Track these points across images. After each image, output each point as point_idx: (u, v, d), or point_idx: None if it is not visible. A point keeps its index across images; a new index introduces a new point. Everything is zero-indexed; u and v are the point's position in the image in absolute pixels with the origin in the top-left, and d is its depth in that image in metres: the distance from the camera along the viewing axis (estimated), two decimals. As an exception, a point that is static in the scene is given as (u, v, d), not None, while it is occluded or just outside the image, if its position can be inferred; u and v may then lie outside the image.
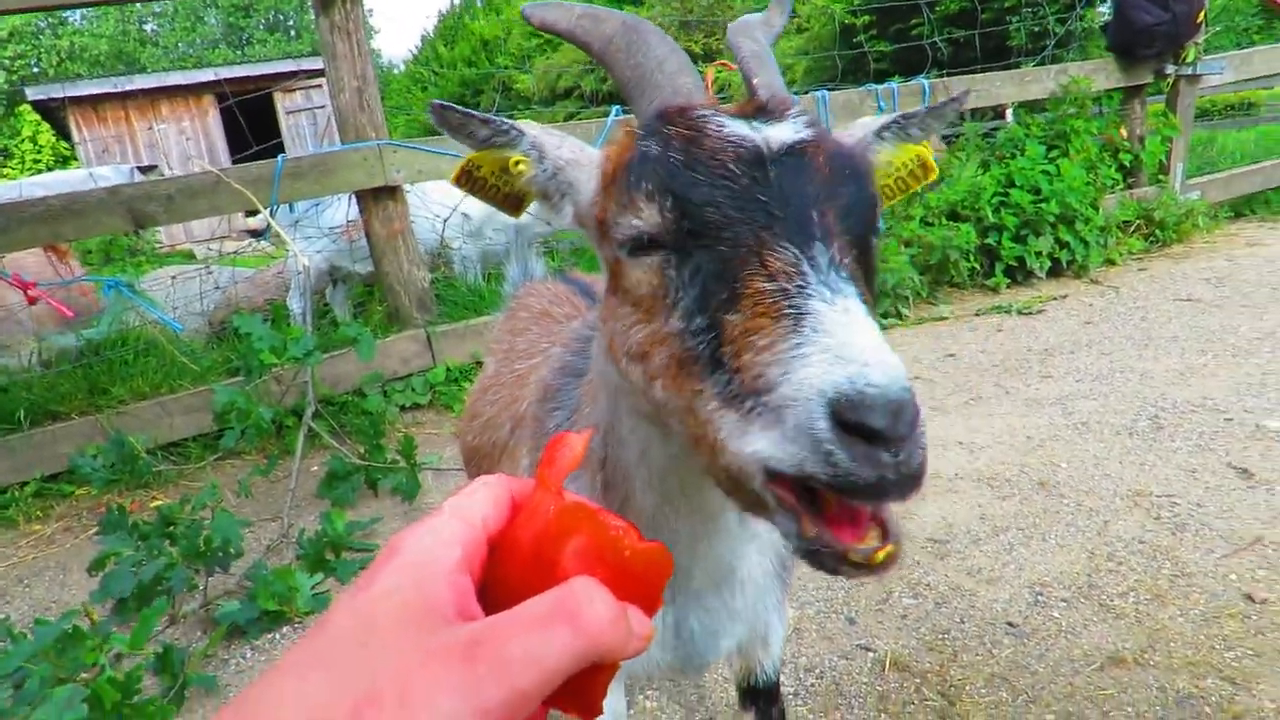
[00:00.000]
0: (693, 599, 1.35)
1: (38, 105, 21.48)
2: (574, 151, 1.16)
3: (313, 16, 4.89)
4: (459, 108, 1.11)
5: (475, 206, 6.38)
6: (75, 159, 22.05)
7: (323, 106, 20.81)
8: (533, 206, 1.23)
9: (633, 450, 1.19)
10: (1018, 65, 7.75)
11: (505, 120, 1.13)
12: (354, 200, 5.38)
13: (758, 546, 1.35)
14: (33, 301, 4.63)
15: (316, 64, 18.37)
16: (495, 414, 2.00)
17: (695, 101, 1.06)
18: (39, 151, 32.07)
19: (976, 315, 6.15)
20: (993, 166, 6.81)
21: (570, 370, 1.54)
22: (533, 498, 0.68)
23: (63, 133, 23.31)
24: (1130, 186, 7.48)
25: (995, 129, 7.74)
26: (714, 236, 0.89)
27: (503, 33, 33.87)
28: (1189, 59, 7.25)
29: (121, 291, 5.07)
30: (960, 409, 4.38)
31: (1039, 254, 6.55)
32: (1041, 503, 3.31)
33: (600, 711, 0.63)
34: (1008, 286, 6.63)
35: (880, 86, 6.52)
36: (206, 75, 21.11)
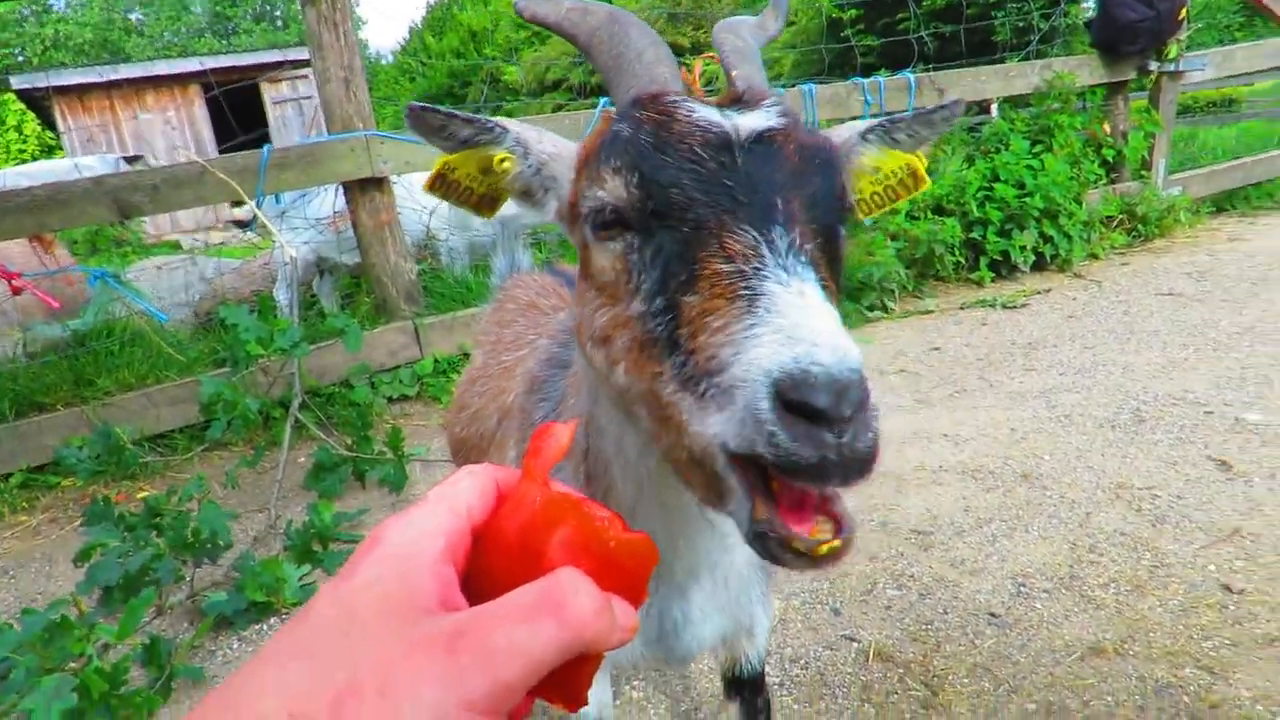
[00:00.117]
0: (676, 591, 1.36)
1: (22, 94, 21.26)
2: (554, 145, 1.17)
3: (299, 6, 4.86)
4: (439, 109, 1.11)
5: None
6: (60, 149, 21.83)
7: (310, 97, 20.67)
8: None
9: (610, 440, 1.20)
10: (1003, 60, 7.78)
11: (487, 118, 1.14)
12: (341, 191, 5.36)
13: (739, 539, 1.36)
14: (17, 292, 4.60)
15: (303, 54, 18.26)
16: (483, 406, 2.01)
17: (670, 88, 1.07)
18: (24, 141, 31.69)
19: (961, 309, 6.20)
20: (978, 161, 6.85)
21: (556, 362, 1.55)
22: (519, 488, 0.69)
23: (48, 122, 23.05)
24: (1113, 181, 7.54)
25: (980, 124, 7.78)
26: (677, 218, 0.90)
27: (491, 24, 33.72)
28: (1171, 55, 7.31)
29: (107, 282, 5.04)
30: (945, 402, 4.41)
31: (1023, 248, 6.60)
32: (1024, 494, 3.35)
33: (585, 702, 0.63)
34: (992, 280, 6.67)
35: (867, 80, 6.53)
36: (192, 65, 20.89)
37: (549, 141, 1.17)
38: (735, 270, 0.83)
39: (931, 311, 6.19)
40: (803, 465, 0.71)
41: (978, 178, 6.60)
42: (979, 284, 6.65)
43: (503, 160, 1.15)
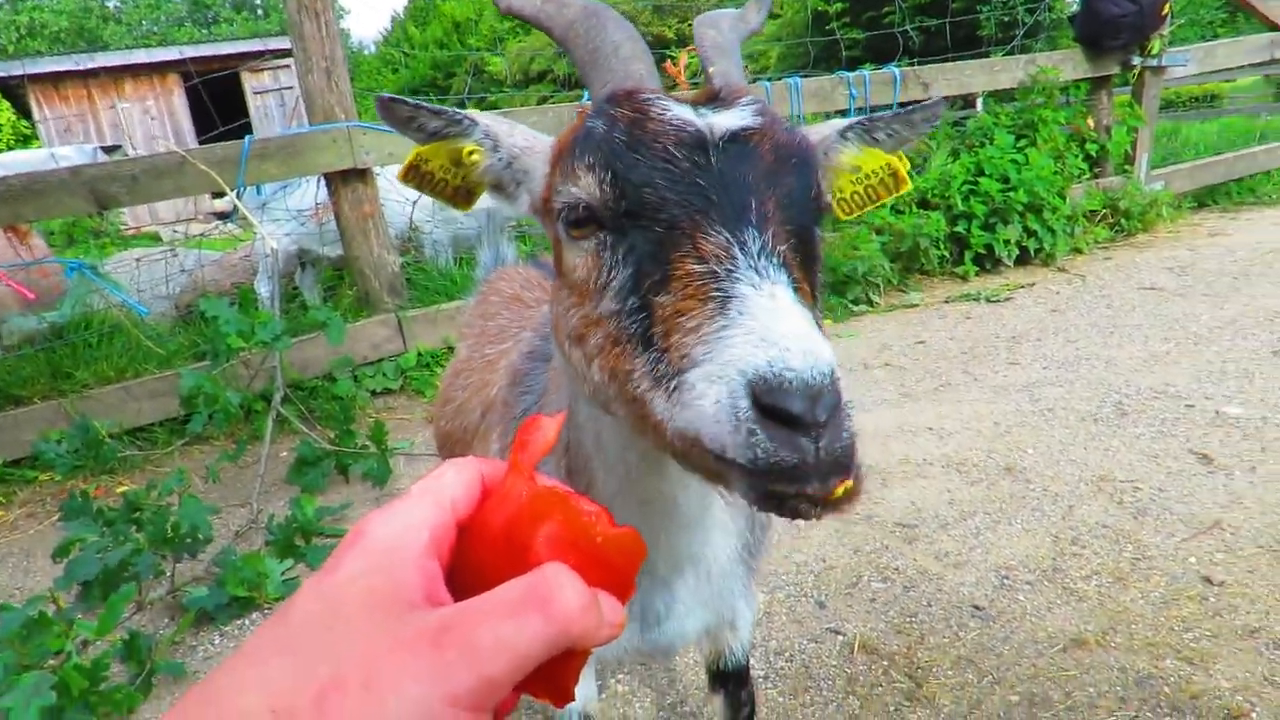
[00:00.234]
0: (658, 585, 1.36)
1: (-3, 82, 20.95)
2: (526, 139, 1.16)
3: (280, -5, 4.81)
4: (408, 100, 1.10)
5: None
6: (36, 138, 21.54)
7: (291, 87, 20.49)
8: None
9: (589, 435, 1.20)
10: (987, 54, 7.82)
11: (456, 110, 1.13)
12: (322, 182, 5.32)
13: (721, 532, 1.35)
14: (-8, 284, 4.54)
15: (285, 44, 18.04)
16: (466, 399, 2.00)
17: (645, 86, 1.06)
18: (-1, 130, 31.27)
19: (946, 302, 6.22)
20: (962, 155, 6.87)
21: (539, 355, 1.54)
22: (505, 482, 0.68)
23: (23, 111, 22.76)
24: (1096, 176, 7.58)
25: (965, 118, 7.80)
26: (650, 217, 0.89)
27: (474, 15, 33.54)
28: (1154, 51, 7.35)
29: (84, 273, 4.98)
30: (929, 395, 4.43)
31: (1007, 242, 6.62)
32: (1008, 488, 3.37)
33: (572, 698, 0.63)
34: (976, 274, 6.70)
35: (852, 74, 6.54)
36: (171, 54, 20.66)
37: (520, 135, 1.16)
38: (708, 271, 0.83)
39: (916, 305, 6.22)
40: (783, 470, 0.71)
41: (962, 172, 6.63)
42: (963, 278, 6.67)
43: (472, 153, 1.14)
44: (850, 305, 6.17)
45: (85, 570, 2.88)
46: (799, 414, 0.70)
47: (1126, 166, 7.68)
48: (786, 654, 2.53)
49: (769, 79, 6.63)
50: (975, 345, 5.18)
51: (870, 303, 6.24)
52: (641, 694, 2.44)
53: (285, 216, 6.37)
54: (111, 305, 5.17)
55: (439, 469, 0.68)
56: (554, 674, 0.60)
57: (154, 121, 20.61)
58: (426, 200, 6.40)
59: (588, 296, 0.96)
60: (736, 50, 1.28)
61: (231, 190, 4.50)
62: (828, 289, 6.23)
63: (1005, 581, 2.77)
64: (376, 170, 5.06)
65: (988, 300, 6.13)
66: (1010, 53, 7.81)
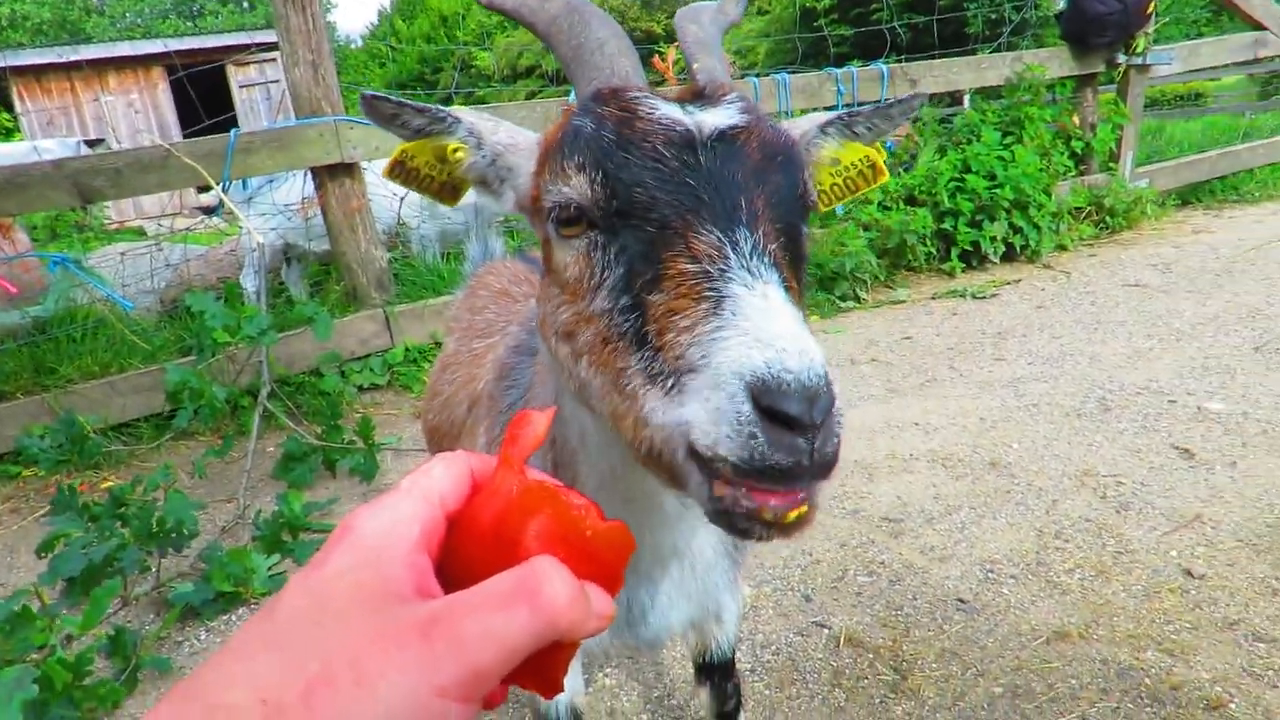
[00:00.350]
0: (643, 579, 1.37)
1: (-23, 74, 20.71)
2: (511, 136, 1.16)
3: (267, -12, 4.77)
4: (391, 97, 1.11)
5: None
6: (18, 131, 21.29)
7: (277, 81, 20.36)
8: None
9: (574, 430, 1.21)
10: (974, 52, 7.84)
11: (440, 108, 1.13)
12: (309, 177, 5.29)
13: (705, 527, 1.36)
14: (-26, 278, 4.49)
15: (271, 37, 17.94)
16: (454, 393, 2.00)
17: (631, 84, 1.07)
18: (-21, 123, 30.93)
19: (933, 299, 6.25)
20: (949, 152, 6.90)
21: (525, 349, 1.55)
22: (495, 476, 0.68)
23: (5, 104, 22.47)
24: (1082, 173, 7.63)
25: (952, 115, 7.83)
26: (641, 217, 0.90)
27: (462, 9, 33.40)
28: (1139, 49, 7.40)
29: (68, 267, 4.94)
30: (915, 391, 4.45)
31: (993, 239, 6.66)
32: (993, 482, 3.39)
33: (561, 689, 0.63)
34: (963, 271, 6.73)
35: (840, 70, 6.56)
36: (156, 46, 20.45)
37: (505, 132, 1.16)
38: (701, 271, 0.84)
39: (903, 301, 6.24)
40: (777, 471, 0.73)
41: (949, 168, 6.65)
42: (950, 274, 6.71)
43: (456, 150, 1.15)
44: (838, 301, 6.19)
45: (70, 566, 2.87)
46: (797, 415, 0.71)
47: (1111, 164, 7.73)
48: (773, 647, 2.55)
49: (757, 75, 6.64)
50: (961, 341, 5.21)
51: (857, 299, 6.26)
52: (629, 687, 2.45)
53: (271, 211, 6.34)
54: (96, 300, 5.14)
55: (428, 464, 0.68)
56: (543, 665, 0.60)
57: (138, 115, 20.43)
58: (414, 196, 6.37)
59: (578, 294, 0.97)
60: (719, 44, 1.29)
61: (217, 184, 4.48)
62: (815, 285, 6.25)
63: (989, 575, 2.79)
64: (364, 165, 5.04)
65: (974, 297, 6.16)
66: (997, 50, 7.84)
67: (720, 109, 0.99)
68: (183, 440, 4.50)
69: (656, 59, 6.14)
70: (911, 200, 6.74)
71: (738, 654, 2.21)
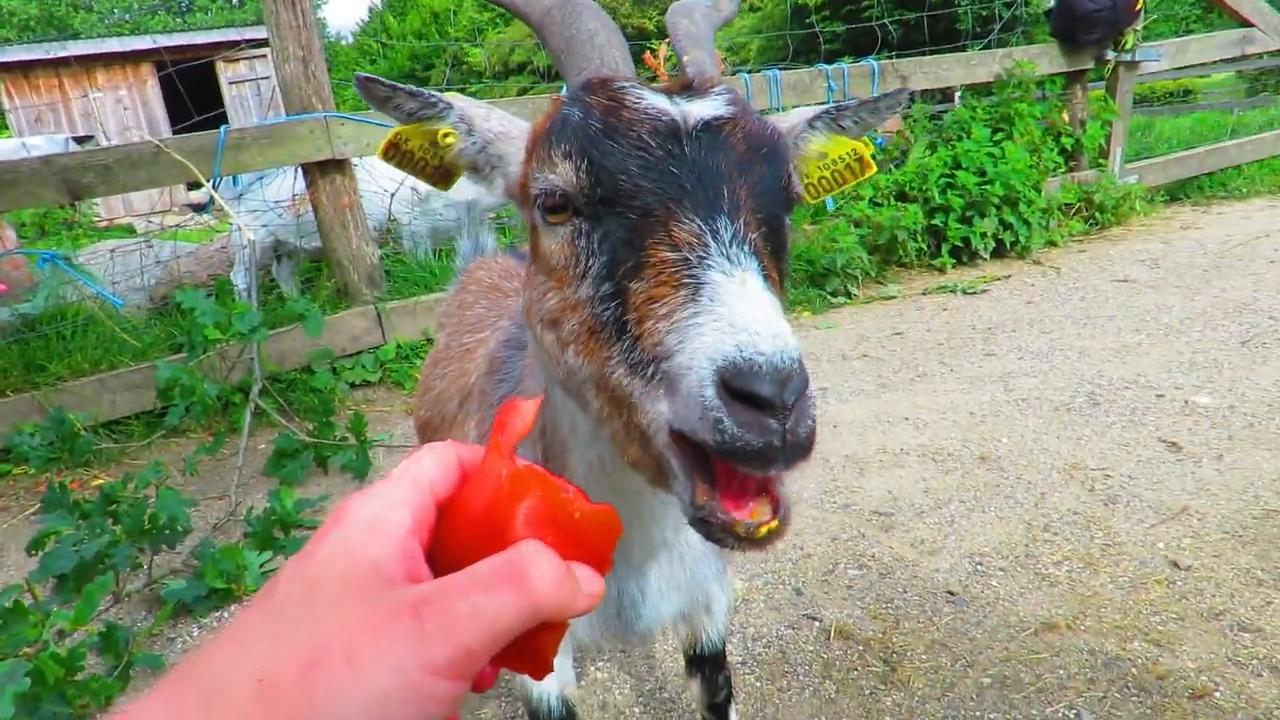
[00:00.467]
0: (633, 570, 1.38)
1: (-37, 71, 20.54)
2: (502, 124, 1.17)
3: (256, -16, 4.76)
4: (385, 80, 1.12)
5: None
6: (6, 128, 21.14)
7: (267, 77, 20.24)
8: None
9: (565, 421, 1.22)
10: (965, 49, 7.86)
11: (432, 93, 1.15)
12: (299, 173, 5.28)
13: None
14: (-38, 275, 4.47)
15: (261, 33, 17.82)
16: (445, 387, 2.01)
17: (619, 74, 1.08)
18: (-34, 120, 30.68)
19: (923, 294, 6.28)
20: (940, 148, 6.92)
21: (516, 343, 1.56)
22: (484, 462, 0.68)
23: (-9, 100, 22.34)
24: (1071, 170, 7.67)
25: (943, 111, 7.86)
26: (624, 204, 0.91)
27: (453, 5, 33.30)
28: (1128, 46, 7.44)
29: (57, 265, 4.92)
30: (906, 386, 4.48)
31: (983, 235, 6.69)
32: (982, 476, 3.41)
33: (551, 669, 0.64)
34: (953, 266, 6.76)
35: (831, 67, 6.57)
36: (145, 43, 20.31)
37: (496, 120, 1.17)
38: (681, 258, 0.85)
39: (894, 297, 6.27)
40: (749, 452, 0.74)
41: (940, 165, 6.68)
42: (940, 270, 6.73)
43: (446, 135, 1.16)
44: (829, 297, 6.21)
45: (61, 564, 2.85)
46: (769, 397, 0.73)
47: (1101, 160, 7.77)
48: (764, 640, 2.56)
49: (749, 71, 6.65)
50: (951, 336, 5.24)
51: (848, 295, 6.28)
52: (621, 680, 2.46)
53: (262, 208, 6.33)
54: (85, 297, 5.12)
55: (417, 453, 0.69)
56: (532, 646, 0.61)
57: (127, 112, 20.29)
58: (405, 192, 6.38)
59: (563, 281, 0.98)
60: (710, 40, 1.30)
61: (208, 181, 4.47)
62: (807, 281, 6.27)
63: (979, 568, 2.81)
64: (355, 161, 5.03)
65: (964, 292, 6.19)
66: (987, 47, 7.87)
67: (707, 100, 1.00)
68: (174, 437, 4.49)
69: (648, 55, 6.12)
70: (902, 196, 6.77)
71: (729, 647, 2.22)
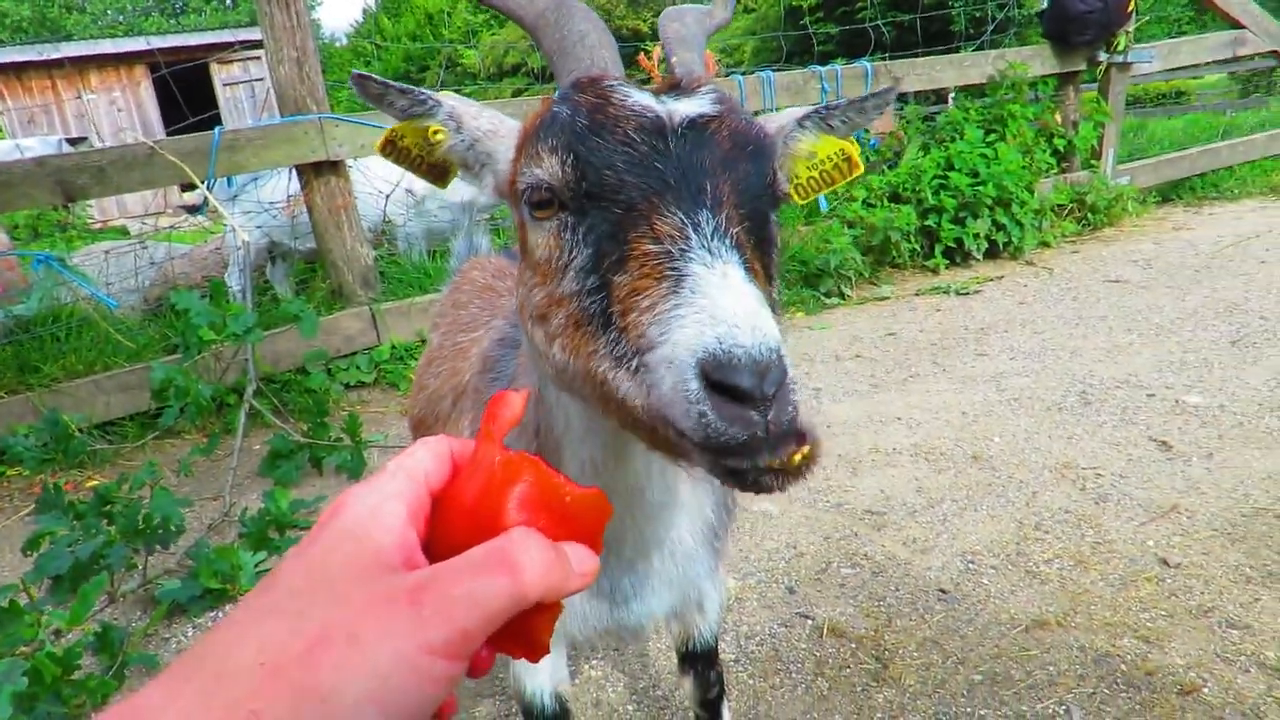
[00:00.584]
0: (625, 566, 1.39)
1: (-44, 73, 20.46)
2: (492, 122, 1.19)
3: (251, -15, 4.76)
4: (377, 77, 1.14)
5: (419, 182, 6.30)
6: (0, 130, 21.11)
7: (261, 79, 20.22)
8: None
9: (559, 417, 1.23)
10: (958, 50, 7.90)
11: (423, 90, 1.17)
12: (294, 175, 5.28)
13: (686, 516, 1.39)
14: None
15: (255, 35, 17.80)
16: (439, 386, 2.02)
17: (608, 73, 1.10)
18: (-41, 121, 30.55)
19: (916, 295, 6.30)
20: (933, 149, 6.95)
21: (509, 341, 1.57)
22: (476, 451, 0.71)
23: (-16, 102, 22.27)
24: (1064, 171, 7.70)
25: (936, 113, 7.88)
26: (609, 199, 0.93)
27: (448, 6, 33.29)
28: (1120, 47, 7.47)
29: (51, 266, 4.92)
30: (899, 386, 4.50)
31: (976, 236, 6.72)
32: (975, 475, 3.43)
33: (547, 650, 0.66)
34: (946, 267, 6.79)
35: (824, 68, 6.60)
36: (138, 44, 20.25)
37: (486, 118, 1.19)
38: (663, 251, 0.86)
39: (887, 298, 6.29)
40: (734, 445, 0.75)
41: (933, 166, 6.71)
42: (934, 271, 6.76)
43: (436, 133, 1.18)
44: (822, 298, 6.23)
45: (56, 564, 2.86)
46: (748, 389, 0.74)
47: (1093, 161, 7.80)
48: (757, 638, 2.58)
49: (742, 72, 6.67)
50: (944, 337, 5.26)
51: (842, 295, 6.30)
52: (614, 678, 2.48)
53: (256, 209, 6.32)
54: (80, 298, 5.11)
55: (411, 447, 0.72)
56: (527, 629, 0.64)
57: (121, 113, 20.25)
58: (400, 194, 6.38)
59: (550, 276, 0.99)
60: (701, 43, 1.31)
61: (202, 182, 4.47)
62: (800, 282, 6.29)
63: (970, 566, 2.83)
64: (350, 163, 5.03)
65: (957, 293, 6.21)
66: (980, 48, 7.91)
67: (693, 99, 1.01)
68: (168, 438, 4.49)
69: (642, 57, 6.16)
70: (896, 198, 6.79)
71: (722, 645, 2.24)
